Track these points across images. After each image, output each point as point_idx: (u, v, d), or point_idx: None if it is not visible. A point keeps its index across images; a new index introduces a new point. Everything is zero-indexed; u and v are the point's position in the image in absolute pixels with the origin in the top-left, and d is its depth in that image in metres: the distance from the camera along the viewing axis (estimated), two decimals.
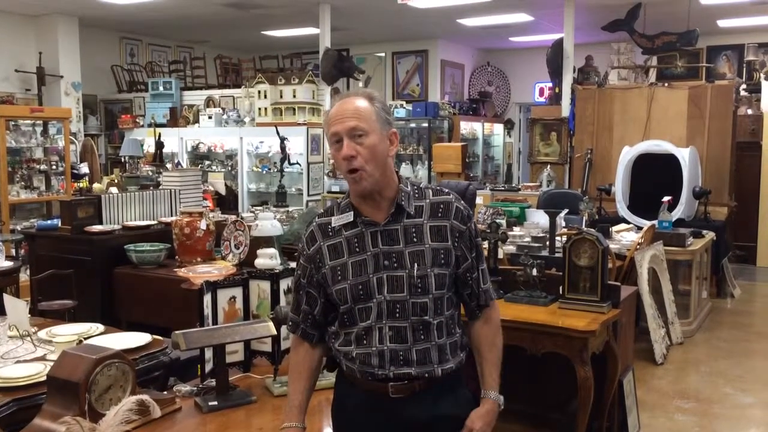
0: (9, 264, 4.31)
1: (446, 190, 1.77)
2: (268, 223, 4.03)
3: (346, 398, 1.78)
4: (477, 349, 1.81)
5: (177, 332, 2.12)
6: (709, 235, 5.95)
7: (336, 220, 1.73)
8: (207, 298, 2.38)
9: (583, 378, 2.95)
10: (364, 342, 1.69)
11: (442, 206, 1.72)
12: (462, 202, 1.76)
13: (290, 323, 1.86)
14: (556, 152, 8.32)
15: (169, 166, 8.30)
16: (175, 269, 4.17)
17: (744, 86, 8.53)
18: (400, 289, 1.67)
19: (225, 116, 9.11)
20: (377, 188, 1.67)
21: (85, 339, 2.57)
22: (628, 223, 5.95)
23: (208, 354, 2.27)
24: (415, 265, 1.67)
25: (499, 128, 11.98)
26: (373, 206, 1.71)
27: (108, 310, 4.37)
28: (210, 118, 9.14)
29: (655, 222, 5.52)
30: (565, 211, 5.15)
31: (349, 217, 1.71)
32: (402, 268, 1.67)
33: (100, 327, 2.82)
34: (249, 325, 2.31)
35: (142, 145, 9.06)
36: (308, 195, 8.25)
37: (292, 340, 1.87)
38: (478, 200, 7.13)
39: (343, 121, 1.63)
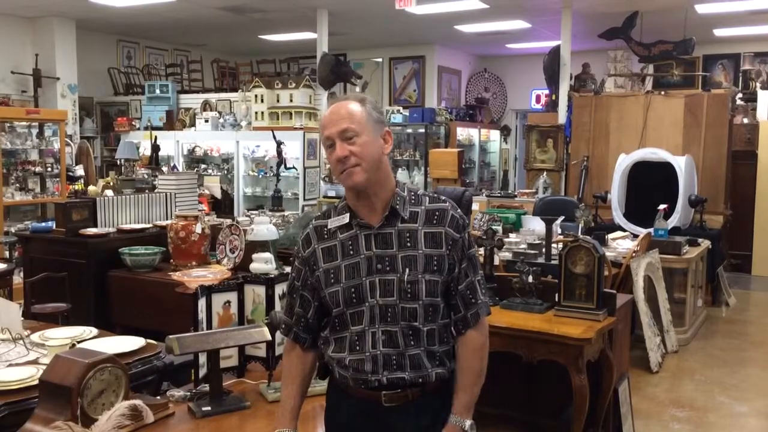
0: (2, 266, 4.28)
1: (443, 198, 1.76)
2: (264, 228, 4.01)
3: (339, 406, 1.77)
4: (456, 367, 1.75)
5: (171, 336, 2.11)
6: (705, 244, 5.96)
7: (332, 222, 1.74)
8: (201, 303, 2.36)
9: (579, 386, 2.94)
10: (357, 348, 1.68)
11: (437, 213, 1.71)
12: (458, 210, 1.75)
13: (283, 326, 1.85)
14: (552, 159, 8.33)
15: (164, 169, 8.28)
16: (170, 273, 4.14)
17: (740, 95, 8.57)
18: (390, 294, 1.67)
19: (221, 120, 9.11)
20: (371, 185, 1.68)
21: (78, 343, 2.55)
22: (624, 230, 5.95)
23: (202, 359, 2.26)
24: (407, 270, 1.66)
25: (495, 134, 12.00)
26: (368, 208, 1.71)
27: (102, 314, 4.35)
28: (206, 121, 9.13)
29: (651, 230, 5.52)
30: (561, 218, 5.15)
31: (344, 219, 1.72)
32: (393, 272, 1.67)
33: (94, 331, 2.80)
34: (243, 330, 2.29)
35: (137, 148, 9.03)
36: (304, 199, 8.24)
37: (285, 344, 1.87)
38: (474, 206, 7.14)
39: (335, 124, 1.66)
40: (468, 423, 1.71)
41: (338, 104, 1.69)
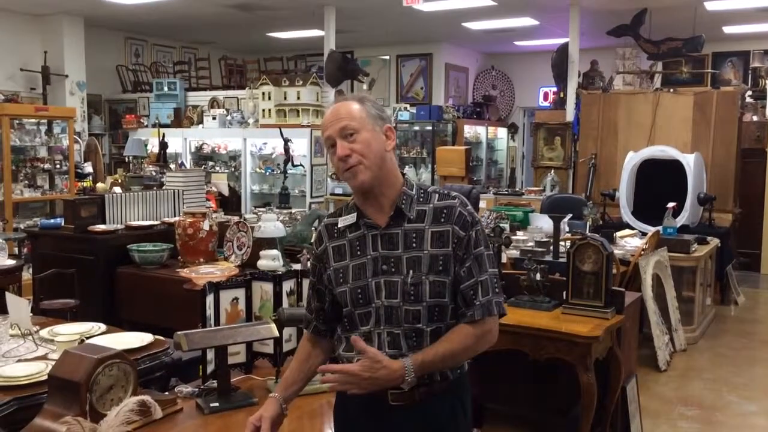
0: (12, 262, 4.30)
1: (453, 194, 1.72)
2: (271, 225, 4.03)
3: (348, 402, 1.75)
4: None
5: (179, 333, 2.11)
6: (714, 242, 5.93)
7: (342, 221, 1.73)
8: (209, 299, 2.37)
9: (586, 384, 2.93)
10: None
11: (445, 211, 1.68)
12: (468, 207, 1.70)
13: (304, 319, 1.88)
14: (559, 157, 8.31)
15: (172, 166, 8.31)
16: (178, 270, 4.16)
17: (749, 93, 8.50)
18: (394, 296, 1.65)
19: (229, 117, 9.12)
20: (377, 184, 1.66)
21: (87, 338, 2.56)
22: (633, 228, 5.93)
23: (210, 355, 2.26)
24: (410, 271, 1.64)
25: (502, 132, 11.97)
26: (375, 207, 1.69)
27: (110, 310, 4.36)
28: (214, 119, 9.14)
29: (660, 228, 5.50)
30: (569, 215, 5.14)
31: (352, 218, 1.71)
32: (398, 274, 1.65)
33: (102, 327, 2.81)
34: (251, 326, 2.30)
35: (146, 146, 9.05)
36: (311, 197, 8.24)
37: (304, 333, 1.89)
38: (482, 204, 7.13)
39: (334, 123, 1.66)
40: (411, 377, 1.59)
41: (337, 105, 1.70)
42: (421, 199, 1.70)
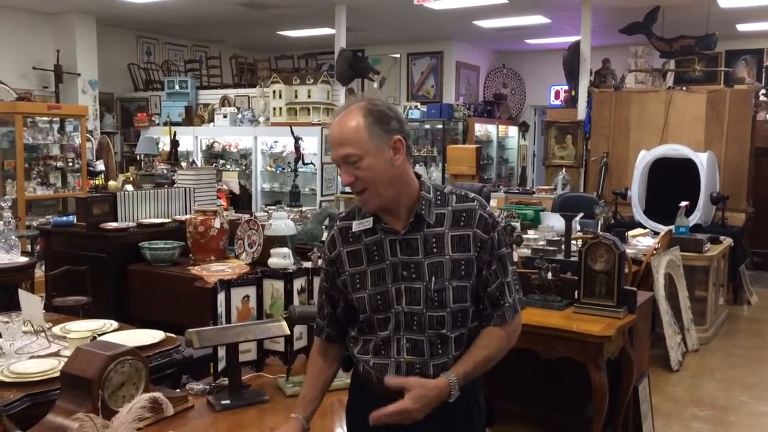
0: (24, 260, 4.32)
1: (471, 196, 1.68)
2: (282, 223, 4.03)
3: (361, 399, 1.74)
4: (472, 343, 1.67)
5: (190, 330, 2.12)
6: (727, 241, 5.89)
7: (356, 226, 1.68)
8: (220, 297, 2.37)
9: (598, 384, 2.92)
10: (382, 353, 1.66)
11: (464, 214, 1.64)
12: (488, 209, 1.68)
13: (315, 327, 1.85)
14: (571, 155, 8.26)
15: (183, 164, 8.34)
16: (189, 267, 4.17)
17: (763, 91, 8.43)
18: (417, 302, 1.62)
19: (240, 116, 9.15)
20: (390, 203, 1.63)
21: (99, 335, 2.58)
22: (645, 227, 5.89)
23: (221, 352, 2.27)
24: (433, 278, 1.61)
25: (513, 131, 11.94)
26: (392, 215, 1.66)
27: (122, 307, 4.38)
28: (225, 117, 9.17)
29: (672, 227, 5.46)
30: (581, 214, 5.11)
31: (368, 223, 1.67)
32: (420, 280, 1.62)
33: (114, 324, 2.82)
34: (262, 324, 2.30)
35: (157, 144, 9.11)
36: (322, 195, 8.25)
37: (315, 341, 1.85)
38: (492, 203, 7.10)
39: (336, 148, 1.60)
40: (456, 391, 1.60)
41: (339, 121, 1.60)
42: (439, 202, 1.66)
